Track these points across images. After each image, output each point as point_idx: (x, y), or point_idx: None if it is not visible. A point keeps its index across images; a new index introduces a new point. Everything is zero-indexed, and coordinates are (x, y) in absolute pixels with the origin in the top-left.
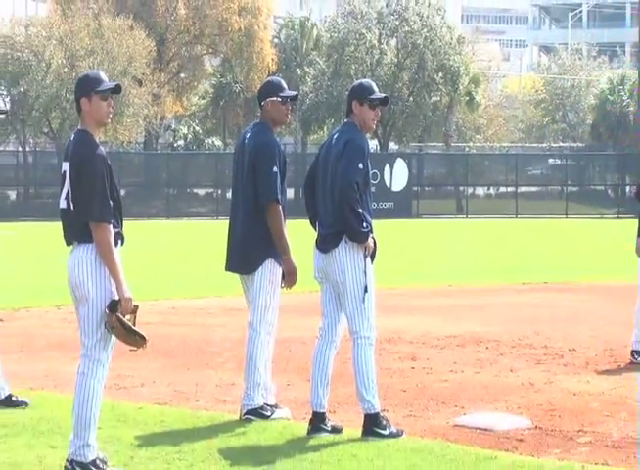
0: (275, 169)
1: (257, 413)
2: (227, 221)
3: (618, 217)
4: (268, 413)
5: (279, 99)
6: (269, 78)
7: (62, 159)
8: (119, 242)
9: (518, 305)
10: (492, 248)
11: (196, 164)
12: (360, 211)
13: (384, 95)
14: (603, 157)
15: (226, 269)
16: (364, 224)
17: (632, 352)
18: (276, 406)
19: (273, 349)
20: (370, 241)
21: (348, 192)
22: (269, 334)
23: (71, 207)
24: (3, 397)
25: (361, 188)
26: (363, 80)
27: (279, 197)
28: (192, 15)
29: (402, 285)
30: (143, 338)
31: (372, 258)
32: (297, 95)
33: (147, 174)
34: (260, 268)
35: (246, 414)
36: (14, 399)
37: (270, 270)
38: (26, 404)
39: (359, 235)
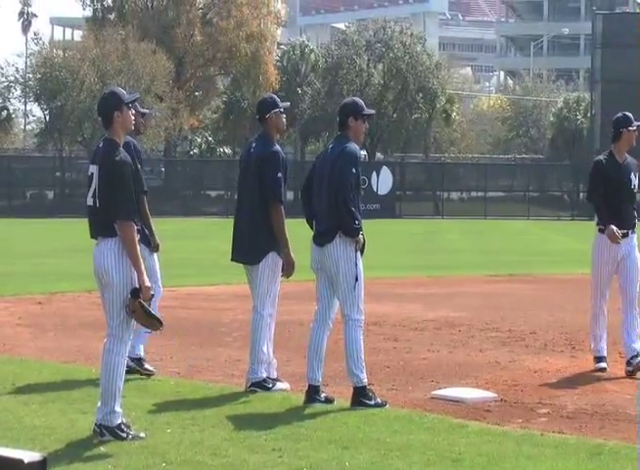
0: (279, 175)
1: (260, 385)
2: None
3: (573, 219)
4: (270, 385)
5: (281, 110)
6: (265, 95)
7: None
8: (139, 237)
9: (486, 294)
10: (464, 244)
11: (209, 169)
12: (353, 209)
13: (373, 111)
14: (560, 167)
15: (232, 259)
16: (356, 221)
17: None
18: (277, 380)
19: (274, 329)
20: (360, 237)
21: (344, 191)
22: (270, 316)
23: (97, 204)
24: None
25: (353, 189)
26: (354, 98)
27: (282, 199)
28: (206, 41)
29: (387, 275)
30: (160, 322)
31: (362, 252)
32: (289, 105)
33: (167, 178)
34: (264, 259)
35: (250, 386)
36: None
37: (272, 261)
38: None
39: (352, 230)
